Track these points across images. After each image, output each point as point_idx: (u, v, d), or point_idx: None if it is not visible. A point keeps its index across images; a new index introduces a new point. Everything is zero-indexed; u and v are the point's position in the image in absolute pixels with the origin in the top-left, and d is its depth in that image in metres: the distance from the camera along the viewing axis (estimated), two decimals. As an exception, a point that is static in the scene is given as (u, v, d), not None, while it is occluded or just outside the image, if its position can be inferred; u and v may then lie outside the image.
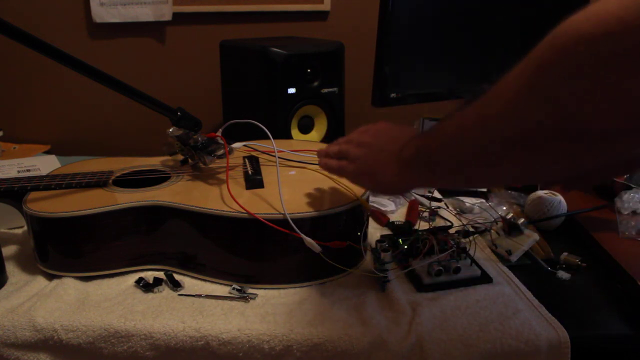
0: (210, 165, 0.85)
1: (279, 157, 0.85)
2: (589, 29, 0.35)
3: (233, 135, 0.87)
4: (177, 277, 0.73)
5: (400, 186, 0.62)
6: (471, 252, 0.74)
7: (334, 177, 0.80)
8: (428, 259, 0.71)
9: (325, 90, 1.05)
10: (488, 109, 0.44)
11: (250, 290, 0.70)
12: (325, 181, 0.79)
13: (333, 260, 0.70)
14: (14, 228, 0.87)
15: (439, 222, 0.87)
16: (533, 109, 0.39)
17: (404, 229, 0.83)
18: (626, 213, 0.85)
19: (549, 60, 0.38)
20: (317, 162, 0.86)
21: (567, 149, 0.40)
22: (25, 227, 0.77)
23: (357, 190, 0.75)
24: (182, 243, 0.73)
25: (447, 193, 1.01)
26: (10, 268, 0.76)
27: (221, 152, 0.83)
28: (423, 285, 0.70)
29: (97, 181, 0.78)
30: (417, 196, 0.81)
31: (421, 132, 0.58)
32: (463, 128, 0.47)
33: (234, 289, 0.70)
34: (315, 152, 0.72)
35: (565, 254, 0.76)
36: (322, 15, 1.29)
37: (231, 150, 0.82)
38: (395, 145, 0.60)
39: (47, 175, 0.81)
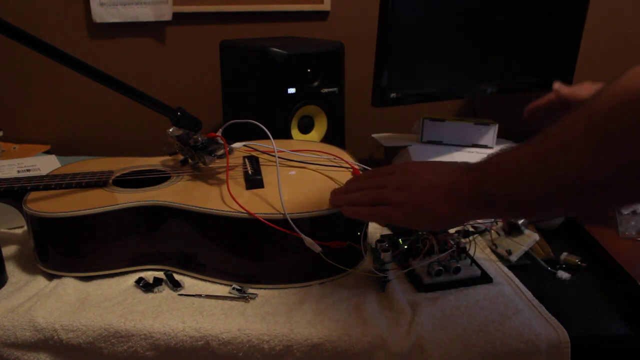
0: (210, 165, 0.85)
1: (279, 157, 0.85)
2: None
3: (233, 135, 0.87)
4: (177, 277, 0.73)
5: (459, 221, 0.63)
6: (471, 252, 0.74)
7: (335, 177, 0.80)
8: (428, 259, 0.71)
9: (325, 90, 1.05)
10: (550, 160, 0.46)
11: (250, 290, 0.70)
12: (325, 181, 0.79)
13: (333, 260, 0.70)
14: (14, 228, 0.87)
15: (439, 222, 0.87)
16: (598, 165, 0.42)
17: (404, 229, 0.83)
18: (626, 213, 0.85)
19: (616, 119, 0.40)
20: (317, 162, 0.86)
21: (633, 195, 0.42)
22: (25, 227, 0.77)
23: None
24: (182, 243, 0.73)
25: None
26: (10, 268, 0.76)
27: (221, 152, 0.83)
28: (423, 285, 0.70)
29: (97, 181, 0.78)
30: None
31: (469, 166, 0.58)
32: (524, 174, 0.49)
33: (234, 289, 0.70)
34: (332, 198, 0.71)
35: (565, 254, 0.76)
36: (322, 15, 1.29)
37: (231, 150, 0.82)
38: (441, 180, 0.60)
39: (47, 175, 0.81)
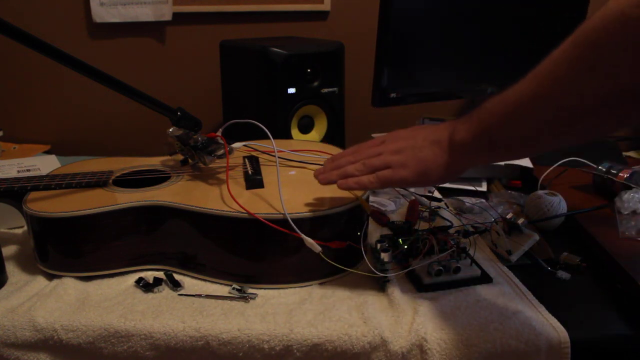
0: (210, 165, 0.85)
1: (279, 157, 0.85)
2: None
3: (233, 135, 0.87)
4: (177, 277, 0.73)
5: (457, 171, 0.63)
6: (471, 252, 0.74)
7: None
8: (428, 259, 0.71)
9: (325, 90, 1.05)
10: (546, 86, 0.47)
11: (250, 290, 0.70)
12: (325, 181, 0.79)
13: (333, 260, 0.70)
14: (14, 228, 0.87)
15: (439, 222, 0.87)
16: (591, 83, 0.43)
17: (404, 229, 0.83)
18: (626, 213, 0.85)
19: (603, 36, 0.42)
20: (317, 162, 0.86)
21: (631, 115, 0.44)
22: (25, 227, 0.77)
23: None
24: (182, 243, 0.73)
25: (447, 193, 1.01)
26: (10, 268, 0.76)
27: (221, 152, 0.83)
28: (423, 285, 0.70)
29: (97, 181, 0.78)
30: (417, 196, 0.81)
31: (461, 118, 0.60)
32: (522, 105, 0.50)
33: (234, 289, 0.70)
34: (317, 176, 0.71)
35: (565, 254, 0.76)
36: (322, 15, 1.29)
37: (231, 150, 0.82)
38: (438, 135, 0.62)
39: (47, 175, 0.81)
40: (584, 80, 0.44)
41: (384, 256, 0.69)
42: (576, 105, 0.45)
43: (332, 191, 0.76)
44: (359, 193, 0.74)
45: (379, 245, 0.71)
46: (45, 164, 1.02)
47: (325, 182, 0.69)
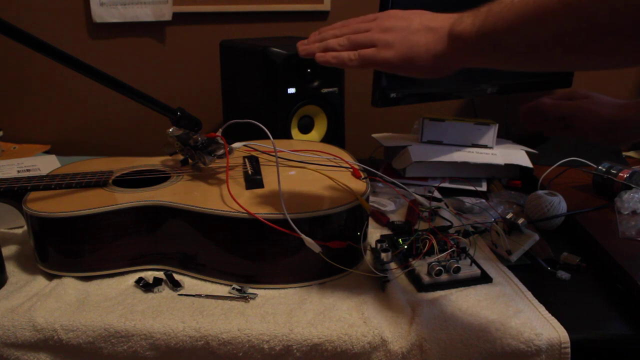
0: (210, 165, 0.85)
1: (279, 157, 0.85)
2: None
3: (233, 135, 0.87)
4: (177, 277, 0.73)
5: (447, 66, 0.58)
6: (471, 252, 0.74)
7: (335, 177, 0.80)
8: (428, 259, 0.71)
9: (325, 90, 1.05)
10: None
11: (250, 290, 0.70)
12: (325, 181, 0.79)
13: (333, 260, 0.70)
14: (14, 228, 0.87)
15: (439, 222, 0.87)
16: None
17: (404, 229, 0.83)
18: (626, 213, 0.85)
19: None
20: (317, 162, 0.86)
21: None
22: (25, 227, 0.77)
23: (357, 190, 0.75)
24: (182, 243, 0.73)
25: (447, 193, 1.01)
26: (10, 268, 0.76)
27: (221, 152, 0.83)
28: (423, 285, 0.70)
29: (97, 181, 0.78)
30: (417, 196, 0.81)
31: (470, 11, 0.54)
32: (544, 11, 0.45)
33: (234, 289, 0.70)
34: (299, 46, 0.65)
35: (565, 254, 0.76)
36: (322, 15, 1.29)
37: (231, 150, 0.82)
38: (437, 22, 0.56)
39: (47, 175, 0.81)
40: None
41: (384, 256, 0.69)
42: (602, 17, 0.40)
43: (332, 191, 0.76)
44: (359, 192, 0.74)
45: (379, 245, 0.71)
46: (45, 164, 1.02)
47: (304, 54, 0.64)
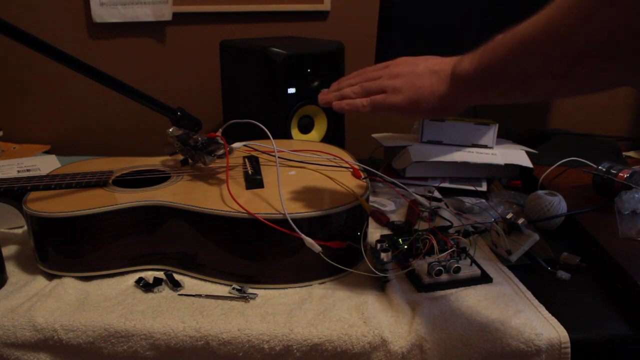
0: (210, 165, 0.85)
1: (279, 157, 0.85)
2: None
3: (233, 135, 0.87)
4: (177, 277, 0.73)
5: (451, 106, 0.61)
6: (471, 252, 0.74)
7: (335, 177, 0.80)
8: (428, 259, 0.71)
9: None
10: (557, 22, 0.44)
11: (250, 290, 0.70)
12: (325, 181, 0.79)
13: (333, 260, 0.70)
14: (14, 228, 0.87)
15: (439, 222, 0.87)
16: (606, 19, 0.40)
17: (404, 229, 0.83)
18: (626, 213, 0.85)
19: None
20: (317, 162, 0.86)
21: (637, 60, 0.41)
22: (25, 227, 0.77)
23: (357, 190, 0.75)
24: (182, 243, 0.73)
25: (447, 193, 1.01)
26: (10, 268, 0.76)
27: (221, 152, 0.83)
28: (423, 285, 0.70)
29: (97, 181, 0.78)
30: (417, 196, 0.81)
31: (470, 52, 0.57)
32: (531, 42, 0.47)
33: (234, 289, 0.70)
34: (319, 96, 0.70)
35: (565, 254, 0.76)
36: (322, 15, 1.29)
37: (231, 150, 0.82)
38: (441, 65, 0.59)
39: (47, 175, 0.81)
40: (601, 15, 0.41)
41: (384, 256, 0.69)
42: (586, 42, 0.42)
43: (332, 191, 0.76)
44: (359, 192, 0.74)
45: (379, 245, 0.71)
46: (45, 164, 1.02)
47: (322, 103, 0.69)
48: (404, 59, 0.65)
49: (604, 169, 0.94)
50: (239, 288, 0.70)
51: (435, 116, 0.63)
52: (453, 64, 0.59)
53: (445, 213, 0.89)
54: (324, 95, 0.69)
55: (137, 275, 0.73)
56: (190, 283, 0.72)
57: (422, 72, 0.61)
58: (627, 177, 0.91)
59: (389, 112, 0.64)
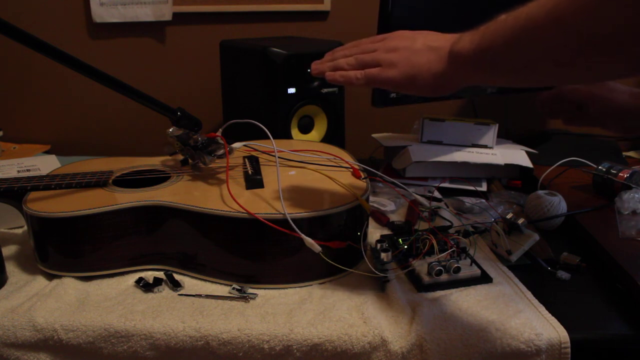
0: (210, 165, 0.85)
1: (279, 157, 0.85)
2: None
3: (233, 135, 0.87)
4: (177, 277, 0.73)
5: (447, 85, 0.59)
6: (471, 252, 0.74)
7: (335, 177, 0.80)
8: (428, 259, 0.71)
9: (325, 90, 1.05)
10: (564, 8, 0.43)
11: (250, 290, 0.70)
12: (325, 181, 0.79)
13: (333, 260, 0.70)
14: (14, 228, 0.87)
15: (439, 222, 0.87)
16: (615, 8, 0.40)
17: (404, 229, 0.83)
18: (626, 213, 0.85)
19: None
20: (317, 162, 0.86)
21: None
22: (25, 227, 0.77)
23: (357, 190, 0.75)
24: (182, 243, 0.73)
25: (447, 193, 1.01)
26: (10, 268, 0.76)
27: (221, 152, 0.83)
28: (423, 285, 0.70)
29: (97, 181, 0.78)
30: (417, 196, 0.81)
31: (471, 30, 0.56)
32: (534, 26, 0.46)
33: (234, 289, 0.70)
34: (312, 65, 0.68)
35: (565, 254, 0.76)
36: (322, 15, 1.29)
37: (231, 150, 0.82)
38: (439, 42, 0.58)
39: (47, 175, 0.81)
40: (609, 7, 0.40)
41: (384, 256, 0.69)
42: (593, 32, 0.42)
43: (332, 191, 0.76)
44: (359, 192, 0.74)
45: (379, 245, 0.71)
46: (45, 164, 1.02)
47: (315, 73, 0.67)
48: (401, 33, 0.64)
49: (604, 169, 0.94)
50: (239, 288, 0.70)
51: (430, 94, 0.61)
52: (452, 41, 0.57)
53: (445, 213, 0.89)
54: (318, 65, 0.67)
55: (137, 275, 0.73)
56: (190, 283, 0.72)
57: (420, 48, 0.60)
58: (627, 177, 0.91)
59: (383, 86, 0.63)
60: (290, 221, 0.66)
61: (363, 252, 0.72)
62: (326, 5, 1.27)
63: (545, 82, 0.52)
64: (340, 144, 1.09)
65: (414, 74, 0.59)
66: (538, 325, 0.61)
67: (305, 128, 1.08)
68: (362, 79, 0.63)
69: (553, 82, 0.50)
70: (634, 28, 0.39)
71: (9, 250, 0.81)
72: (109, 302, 0.67)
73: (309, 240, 0.67)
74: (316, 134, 1.10)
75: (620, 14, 0.39)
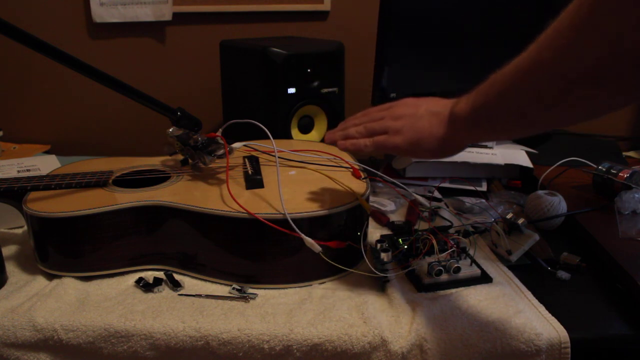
0: (210, 165, 0.85)
1: (279, 157, 0.85)
2: None
3: (233, 135, 0.87)
4: (177, 277, 0.73)
5: (452, 147, 0.62)
6: (471, 252, 0.74)
7: (335, 177, 0.80)
8: (428, 259, 0.71)
9: (325, 90, 1.05)
10: (544, 53, 0.46)
11: (250, 290, 0.70)
12: (325, 181, 0.79)
13: (333, 260, 0.70)
14: (14, 228, 0.87)
15: (439, 222, 0.87)
16: (589, 47, 0.42)
17: (404, 229, 0.83)
18: (626, 213, 0.85)
19: None
20: (317, 162, 0.86)
21: (624, 83, 0.42)
22: (25, 227, 0.77)
23: (357, 190, 0.75)
24: (182, 243, 0.73)
25: (447, 193, 1.01)
26: (10, 268, 0.76)
27: (221, 152, 0.83)
28: (423, 285, 0.70)
29: (97, 181, 0.78)
30: (417, 196, 0.81)
31: (468, 93, 0.59)
32: (521, 73, 0.49)
33: (234, 289, 0.70)
34: (326, 134, 0.72)
35: (565, 254, 0.76)
36: (322, 15, 1.29)
37: (231, 150, 0.82)
38: (440, 107, 0.61)
39: (47, 175, 0.81)
40: (585, 42, 0.42)
41: (384, 256, 0.69)
42: (573, 70, 0.44)
43: (332, 191, 0.76)
44: (359, 192, 0.74)
45: (379, 245, 0.71)
46: (45, 164, 1.02)
47: (328, 142, 0.71)
48: (406, 100, 0.67)
49: (604, 169, 0.94)
50: (239, 288, 0.70)
51: (436, 157, 0.64)
52: (451, 105, 0.60)
53: (445, 213, 0.90)
54: (330, 135, 0.71)
55: (137, 275, 0.73)
56: (190, 283, 0.72)
57: (423, 114, 0.63)
58: (627, 177, 0.91)
59: (391, 152, 0.66)
60: (290, 221, 0.66)
61: (363, 252, 0.72)
62: (326, 5, 1.27)
63: (544, 128, 0.55)
64: (340, 144, 1.09)
65: (418, 140, 0.62)
66: (538, 325, 0.61)
67: (305, 128, 1.08)
68: (370, 146, 0.66)
69: (552, 126, 0.53)
70: (609, 60, 0.41)
71: (9, 250, 0.81)
72: (109, 302, 0.67)
73: (309, 240, 0.67)
74: (316, 134, 1.10)
75: (596, 48, 0.41)
